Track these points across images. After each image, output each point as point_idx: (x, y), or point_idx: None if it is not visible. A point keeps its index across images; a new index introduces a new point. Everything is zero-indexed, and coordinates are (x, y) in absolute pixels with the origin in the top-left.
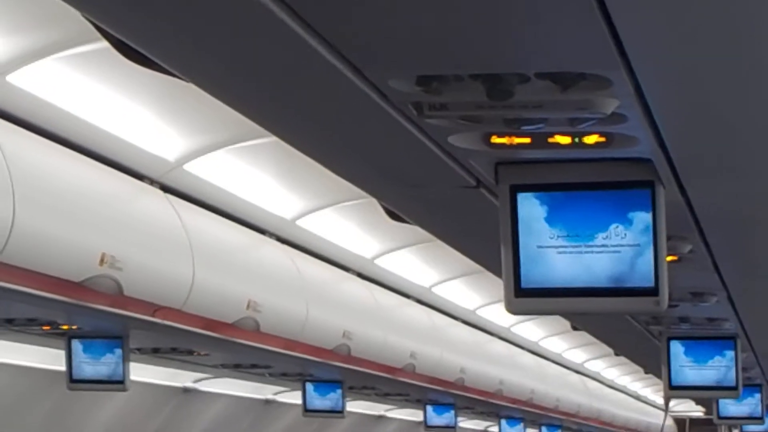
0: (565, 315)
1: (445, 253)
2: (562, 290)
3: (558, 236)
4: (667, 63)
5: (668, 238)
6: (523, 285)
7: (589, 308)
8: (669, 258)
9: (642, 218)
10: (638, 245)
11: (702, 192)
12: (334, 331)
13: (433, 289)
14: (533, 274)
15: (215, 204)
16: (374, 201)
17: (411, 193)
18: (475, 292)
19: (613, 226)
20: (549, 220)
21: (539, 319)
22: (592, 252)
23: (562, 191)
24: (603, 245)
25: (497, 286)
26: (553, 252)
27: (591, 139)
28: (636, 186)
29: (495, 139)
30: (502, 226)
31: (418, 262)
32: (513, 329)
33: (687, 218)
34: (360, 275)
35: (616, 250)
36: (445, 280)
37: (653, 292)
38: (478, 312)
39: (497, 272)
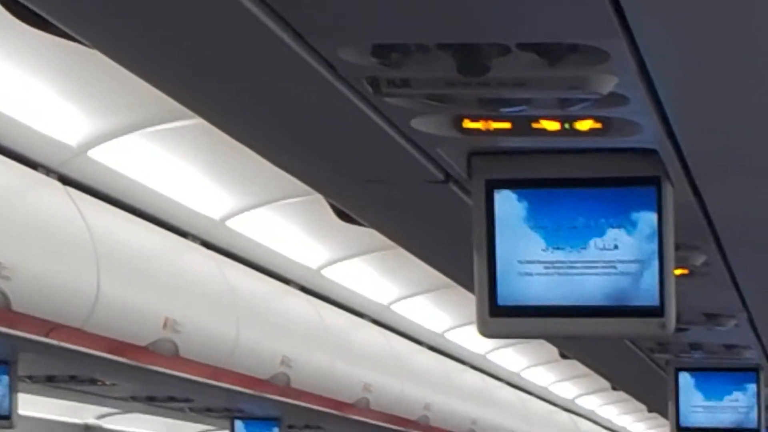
0: (552, 340)
1: (407, 264)
2: (547, 309)
3: (543, 243)
4: (677, 31)
5: (677, 248)
6: (500, 302)
7: (580, 331)
8: (678, 271)
9: (645, 222)
10: (640, 255)
11: (719, 191)
12: (271, 357)
13: (393, 307)
14: (512, 289)
15: (126, 200)
16: (321, 198)
17: (365, 189)
18: (444, 311)
19: (610, 231)
20: (533, 223)
21: (521, 344)
22: (584, 263)
23: (548, 188)
24: (598, 254)
25: (470, 303)
26: (537, 262)
27: (584, 125)
28: (638, 183)
29: (468, 124)
30: (476, 230)
31: (374, 273)
32: (489, 357)
33: (700, 223)
34: (303, 289)
35: (613, 260)
36: (406, 296)
37: (658, 312)
38: (447, 335)
39: (470, 287)
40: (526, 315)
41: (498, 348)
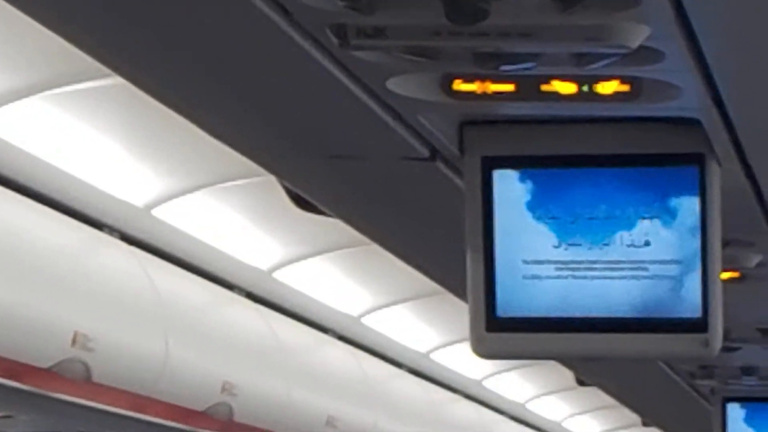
0: (567, 362)
1: (383, 264)
2: (560, 322)
3: (555, 238)
4: None
5: (725, 244)
6: (500, 313)
7: (602, 351)
8: (726, 275)
9: (686, 212)
10: (679, 254)
11: None
12: (209, 383)
13: (364, 320)
14: (515, 297)
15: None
16: (273, 180)
17: (329, 169)
18: (430, 325)
19: (641, 223)
20: (541, 212)
21: (527, 367)
22: (607, 263)
23: (561, 168)
24: (624, 253)
25: (462, 315)
26: (547, 263)
27: (607, 88)
28: (677, 162)
29: (459, 86)
30: (469, 220)
31: (341, 276)
32: (487, 383)
33: (755, 213)
34: (250, 296)
35: (644, 260)
36: (382, 306)
37: (701, 326)
38: (433, 356)
39: (462, 294)
40: (532, 330)
41: (498, 372)
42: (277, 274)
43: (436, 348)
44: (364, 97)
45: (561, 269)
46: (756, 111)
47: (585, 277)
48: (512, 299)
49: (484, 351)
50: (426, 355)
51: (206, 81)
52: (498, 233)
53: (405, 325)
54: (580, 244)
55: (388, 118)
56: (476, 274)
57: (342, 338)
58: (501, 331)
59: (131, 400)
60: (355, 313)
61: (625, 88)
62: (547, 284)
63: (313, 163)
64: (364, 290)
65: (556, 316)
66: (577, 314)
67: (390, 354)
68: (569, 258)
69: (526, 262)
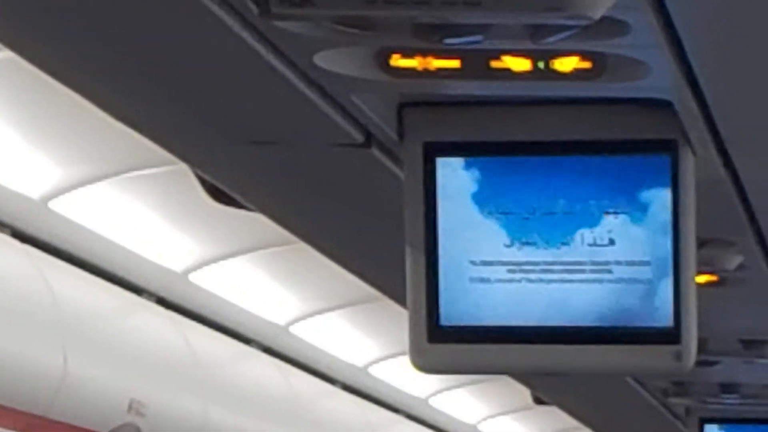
0: (522, 377)
1: (313, 266)
2: (513, 332)
3: (507, 236)
4: None
5: (702, 244)
6: (444, 321)
7: (561, 365)
8: (703, 278)
9: (656, 206)
10: (648, 254)
11: (761, 163)
12: (114, 401)
13: (293, 329)
14: (462, 303)
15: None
16: (186, 169)
17: (250, 157)
18: (367, 336)
19: (605, 219)
20: (492, 206)
21: (478, 383)
22: (566, 265)
23: (514, 156)
24: (586, 253)
25: (405, 323)
26: (498, 264)
27: (567, 65)
28: (645, 149)
29: (397, 61)
30: (409, 215)
31: (265, 279)
32: (433, 402)
33: (735, 209)
34: (161, 302)
35: (608, 261)
36: (311, 314)
37: (672, 336)
38: (371, 371)
39: (402, 299)
40: (481, 340)
41: (447, 389)
42: (192, 277)
43: (375, 361)
44: (288, 74)
45: (514, 271)
46: (735, 91)
47: (541, 281)
48: (458, 305)
49: (425, 364)
50: (363, 370)
51: (108, 56)
52: (442, 230)
53: (339, 336)
54: (535, 243)
55: (316, 99)
56: (417, 277)
57: (267, 350)
58: (445, 341)
59: (24, 421)
60: (281, 321)
61: (586, 65)
62: (498, 288)
63: (231, 150)
64: (292, 295)
65: (507, 324)
66: (532, 323)
67: (322, 368)
68: (523, 258)
69: (473, 263)
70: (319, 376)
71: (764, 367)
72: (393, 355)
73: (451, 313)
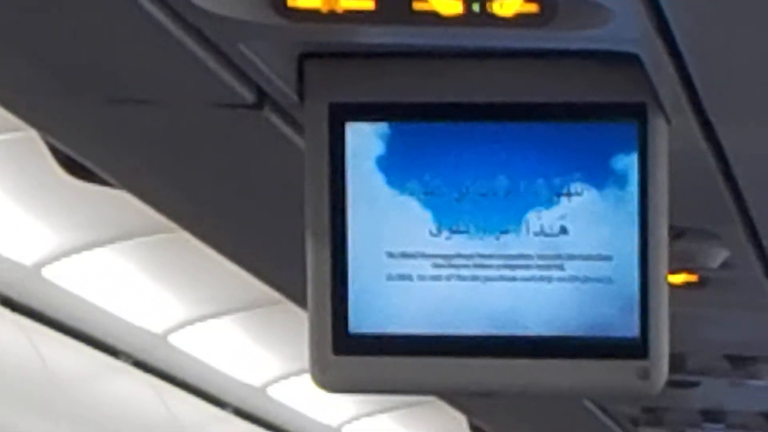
0: (452, 399)
1: (195, 259)
2: (438, 343)
3: (433, 222)
4: None
5: (677, 235)
6: (353, 328)
7: (499, 384)
8: (679, 278)
9: (619, 186)
10: (608, 246)
11: (751, 132)
12: None
13: (172, 338)
14: (376, 306)
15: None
16: (35, 136)
17: (110, 120)
18: (267, 350)
19: (556, 202)
20: (414, 185)
21: (403, 408)
22: (506, 259)
23: (442, 122)
24: (532, 244)
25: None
26: (422, 257)
27: (508, 8)
28: (606, 115)
29: (296, 1)
30: (311, 194)
31: (139, 276)
32: (347, 430)
33: (719, 192)
34: (7, 302)
35: (559, 254)
36: (195, 320)
37: (638, 350)
38: (270, 392)
39: (302, 301)
40: (399, 352)
41: (366, 414)
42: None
43: (275, 380)
44: (160, 16)
45: (441, 266)
46: (716, 43)
47: (475, 279)
48: (371, 309)
49: (329, 381)
50: (261, 390)
51: None
52: (352, 214)
53: (232, 347)
54: (467, 231)
55: (195, 48)
56: (320, 273)
57: (139, 365)
58: (354, 353)
59: None
60: (158, 329)
61: (532, 8)
62: (422, 287)
63: (86, 112)
64: (173, 299)
65: (433, 333)
66: (464, 331)
67: (206, 387)
68: (453, 251)
69: (391, 255)
70: (206, 398)
71: (755, 390)
72: (297, 372)
73: (363, 319)
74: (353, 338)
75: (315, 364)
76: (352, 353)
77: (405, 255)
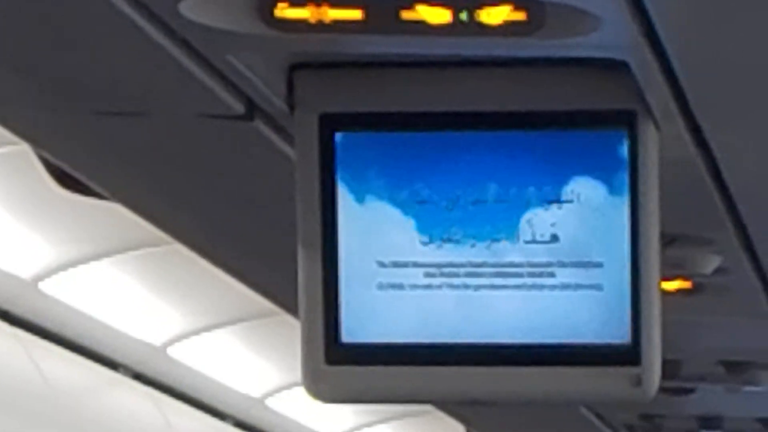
0: (449, 408)
1: (191, 272)
2: (430, 352)
3: (424, 231)
4: None
5: (670, 242)
6: (346, 338)
7: (493, 393)
8: (673, 285)
9: (609, 194)
10: (599, 253)
11: (743, 139)
12: None
13: (171, 351)
14: (368, 316)
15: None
16: (28, 150)
17: (100, 132)
18: (265, 360)
19: (546, 210)
20: (404, 194)
21: (401, 418)
22: (497, 267)
23: (432, 131)
24: (523, 253)
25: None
26: (413, 266)
27: (496, 17)
28: (596, 123)
29: (285, 12)
30: (302, 205)
31: (137, 288)
32: None
33: (711, 198)
34: (6, 318)
35: (550, 262)
36: (194, 332)
37: (630, 356)
38: (269, 403)
39: (295, 310)
40: (392, 362)
41: (366, 425)
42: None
43: (274, 391)
44: (149, 29)
45: (432, 275)
46: (706, 49)
47: (466, 287)
48: (363, 318)
49: (322, 392)
50: (260, 401)
51: None
52: (343, 224)
53: (230, 359)
54: (458, 240)
55: (185, 60)
56: (311, 283)
57: (138, 377)
58: (347, 363)
59: None
60: (157, 342)
61: (520, 16)
62: (413, 297)
63: (77, 124)
64: (171, 311)
65: (425, 342)
66: (456, 339)
67: (206, 399)
68: (444, 259)
69: (382, 264)
70: (204, 410)
71: (752, 396)
72: (297, 384)
73: (355, 328)
74: (345, 348)
75: (307, 375)
76: (344, 363)
77: (396, 264)
